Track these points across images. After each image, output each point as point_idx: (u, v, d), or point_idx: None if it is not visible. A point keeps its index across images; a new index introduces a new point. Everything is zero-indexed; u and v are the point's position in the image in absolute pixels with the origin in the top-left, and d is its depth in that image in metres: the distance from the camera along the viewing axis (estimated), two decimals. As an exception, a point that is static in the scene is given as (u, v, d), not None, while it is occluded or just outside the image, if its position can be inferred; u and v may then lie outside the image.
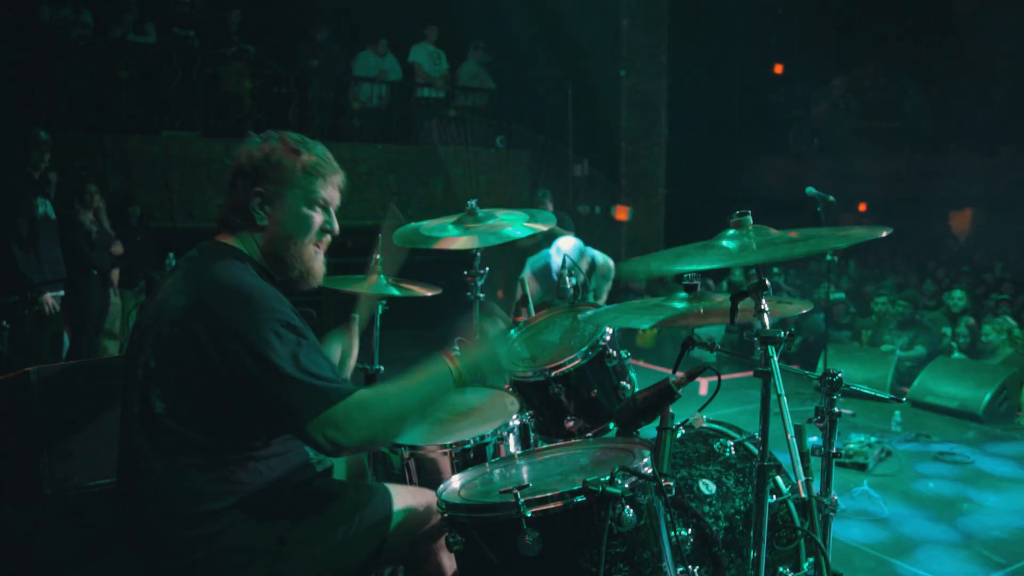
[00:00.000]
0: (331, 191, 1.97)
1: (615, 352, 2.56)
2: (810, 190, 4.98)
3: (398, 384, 1.84)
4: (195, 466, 1.75)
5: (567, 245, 5.63)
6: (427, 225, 2.89)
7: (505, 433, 2.43)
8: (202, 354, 1.70)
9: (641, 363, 7.95)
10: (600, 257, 5.94)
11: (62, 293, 5.60)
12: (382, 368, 3.04)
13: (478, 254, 2.97)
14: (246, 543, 1.77)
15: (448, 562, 2.06)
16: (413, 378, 1.86)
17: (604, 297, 5.89)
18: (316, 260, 1.98)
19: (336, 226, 2.00)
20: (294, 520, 1.84)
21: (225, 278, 1.79)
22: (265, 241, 1.92)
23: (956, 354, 7.44)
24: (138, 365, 1.78)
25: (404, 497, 2.03)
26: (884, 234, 1.75)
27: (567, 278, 2.86)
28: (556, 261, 5.64)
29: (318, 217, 1.95)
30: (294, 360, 1.70)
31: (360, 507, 1.95)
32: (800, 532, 2.21)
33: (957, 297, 8.17)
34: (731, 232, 1.91)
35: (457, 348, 1.97)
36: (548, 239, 7.96)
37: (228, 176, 1.93)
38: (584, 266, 5.54)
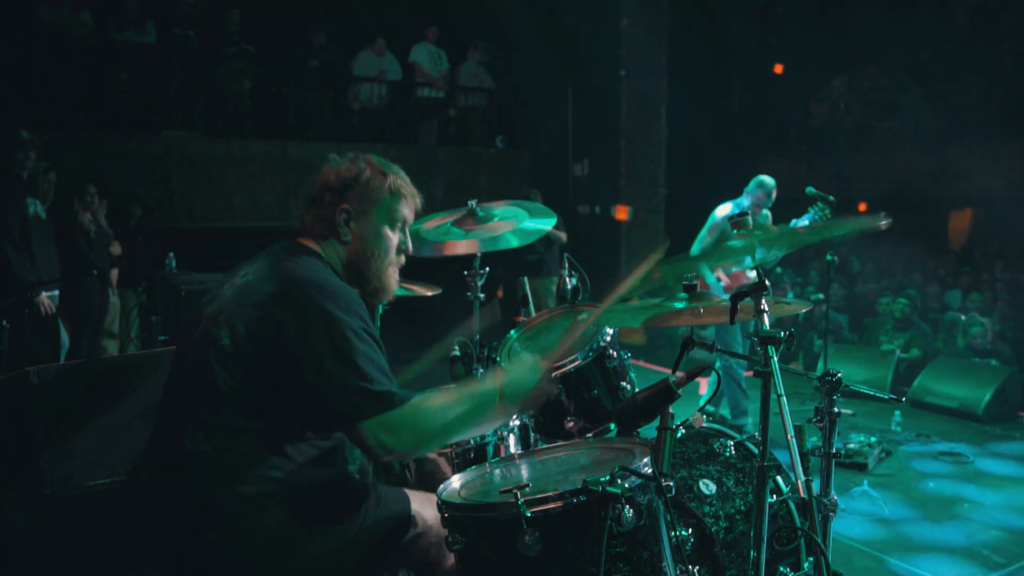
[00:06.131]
0: (409, 212, 2.10)
1: (615, 352, 2.56)
2: (810, 190, 5.00)
3: (447, 396, 1.91)
4: (246, 445, 1.80)
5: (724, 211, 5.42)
6: (427, 226, 2.89)
7: (505, 433, 2.44)
8: (281, 340, 1.77)
9: (640, 363, 7.95)
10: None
11: (56, 293, 5.59)
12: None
13: (478, 254, 2.97)
14: (276, 527, 1.81)
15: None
16: (462, 391, 1.93)
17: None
18: (392, 278, 2.10)
19: (410, 245, 2.12)
20: (323, 513, 1.89)
21: (313, 275, 1.89)
22: (348, 255, 2.03)
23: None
24: (208, 344, 1.82)
25: (423, 506, 2.06)
26: (883, 224, 1.75)
27: (567, 278, 2.85)
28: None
29: (396, 237, 2.07)
30: (368, 361, 1.78)
31: (381, 509, 1.99)
32: (800, 532, 2.22)
33: (975, 300, 8.16)
34: (734, 233, 1.91)
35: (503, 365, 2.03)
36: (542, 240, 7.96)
37: (313, 191, 2.05)
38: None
